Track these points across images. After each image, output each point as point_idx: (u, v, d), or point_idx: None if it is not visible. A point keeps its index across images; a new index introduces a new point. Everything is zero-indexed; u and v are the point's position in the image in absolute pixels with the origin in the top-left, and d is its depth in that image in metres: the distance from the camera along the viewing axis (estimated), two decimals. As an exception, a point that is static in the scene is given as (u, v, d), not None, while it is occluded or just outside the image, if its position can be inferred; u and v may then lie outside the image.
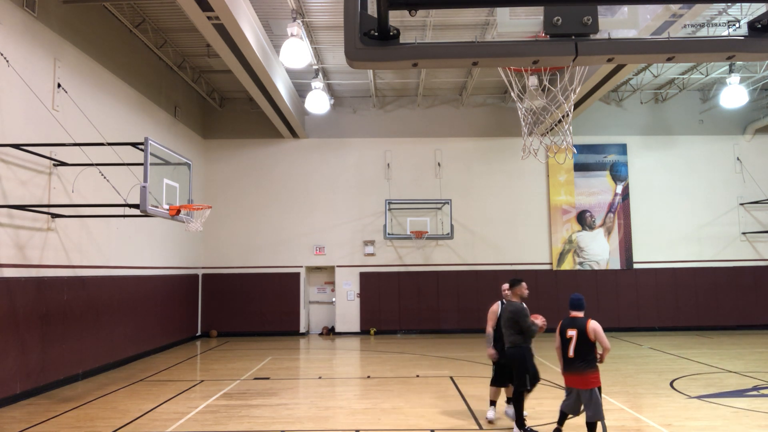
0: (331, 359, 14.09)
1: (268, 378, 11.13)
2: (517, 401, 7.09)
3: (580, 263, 18.30)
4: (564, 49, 3.50)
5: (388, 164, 18.73)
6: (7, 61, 8.99)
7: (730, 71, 15.94)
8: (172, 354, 14.42)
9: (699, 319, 17.96)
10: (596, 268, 18.28)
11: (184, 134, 16.84)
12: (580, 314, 6.52)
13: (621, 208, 18.54)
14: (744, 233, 18.38)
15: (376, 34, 3.42)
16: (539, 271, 18.02)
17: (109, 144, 9.73)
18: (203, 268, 18.24)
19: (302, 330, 18.22)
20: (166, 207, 9.36)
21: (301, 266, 18.42)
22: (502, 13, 3.78)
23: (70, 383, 10.56)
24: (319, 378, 11.26)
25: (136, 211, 8.92)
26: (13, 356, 9.06)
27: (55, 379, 10.12)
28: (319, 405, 8.85)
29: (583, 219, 18.48)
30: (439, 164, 18.72)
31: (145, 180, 8.55)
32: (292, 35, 11.65)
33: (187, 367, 12.59)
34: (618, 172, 18.66)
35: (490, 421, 7.58)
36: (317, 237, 18.49)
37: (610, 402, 8.55)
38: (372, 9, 3.40)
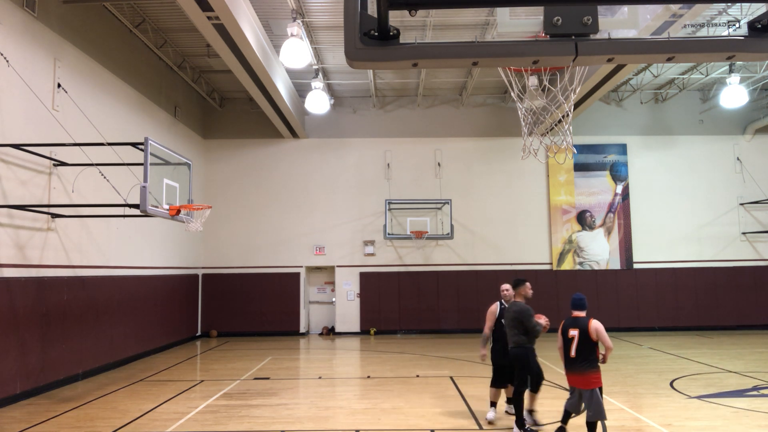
0: (331, 359, 14.09)
1: (268, 378, 11.13)
2: (517, 401, 7.09)
3: (580, 263, 18.30)
4: (564, 49, 3.49)
5: (388, 164, 18.73)
6: (7, 61, 8.99)
7: (730, 71, 15.94)
8: (172, 354, 14.42)
9: (699, 319, 17.96)
10: (596, 268, 18.28)
11: (184, 134, 16.84)
12: (582, 314, 6.52)
13: (621, 208, 18.54)
14: (744, 233, 18.39)
15: (376, 34, 3.42)
16: (539, 271, 18.02)
17: (109, 144, 9.73)
18: (203, 268, 18.24)
19: (302, 330, 18.22)
20: (166, 207, 9.36)
21: (301, 266, 18.42)
22: (502, 13, 3.78)
23: (70, 383, 10.56)
24: (319, 378, 11.26)
25: (136, 211, 8.92)
26: (13, 356, 9.06)
27: (55, 379, 10.12)
28: (319, 405, 8.85)
29: (583, 219, 18.48)
30: (439, 164, 18.72)
31: (145, 180, 8.55)
32: (292, 35, 11.65)
33: (187, 367, 12.59)
34: (618, 172, 18.66)
35: (491, 422, 7.58)
36: (317, 237, 18.49)
37: (610, 402, 8.54)
38: (372, 9, 3.40)
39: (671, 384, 9.97)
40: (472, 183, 18.64)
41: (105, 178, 9.75)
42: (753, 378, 10.39)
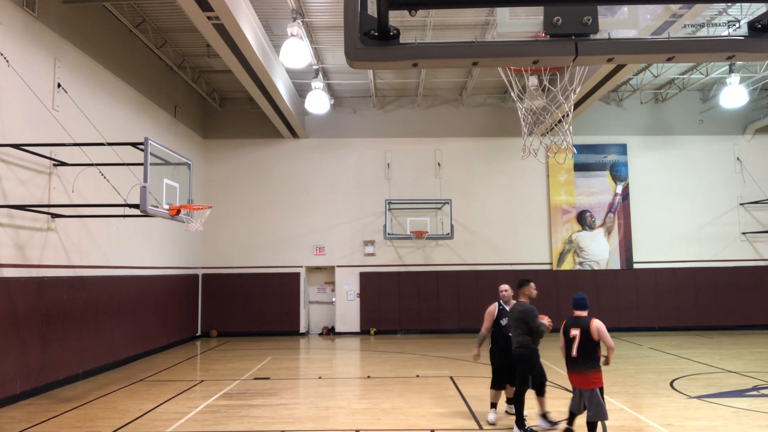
0: (331, 359, 14.09)
1: (268, 378, 11.13)
2: (517, 401, 7.09)
3: (580, 263, 18.30)
4: (564, 49, 3.49)
5: (388, 164, 18.73)
6: (7, 61, 8.99)
7: (730, 71, 15.94)
8: (172, 354, 14.42)
9: (699, 319, 17.96)
10: (596, 268, 18.28)
11: (184, 134, 16.84)
12: (584, 314, 6.51)
13: (621, 208, 18.54)
14: (744, 233, 18.39)
15: (376, 34, 3.42)
16: (539, 271, 18.00)
17: (109, 144, 9.73)
18: (203, 268, 18.24)
19: (302, 330, 18.22)
20: (166, 207, 9.36)
21: (301, 266, 18.42)
22: (502, 13, 3.78)
23: (70, 383, 10.56)
24: (319, 378, 11.26)
25: (136, 211, 8.92)
26: (13, 356, 9.06)
27: (55, 379, 10.12)
28: (319, 405, 8.85)
29: (583, 219, 18.48)
30: (439, 164, 18.72)
31: (145, 180, 8.55)
32: (292, 35, 11.65)
33: (187, 367, 12.59)
34: (618, 172, 18.67)
35: (492, 424, 7.57)
36: (317, 237, 18.49)
37: (610, 402, 8.54)
38: (372, 9, 3.40)
39: (671, 384, 9.97)
40: (472, 183, 18.64)
41: (105, 178, 9.75)
42: (753, 378, 10.39)
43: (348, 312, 18.27)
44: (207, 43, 13.70)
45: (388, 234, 17.48)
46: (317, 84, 15.59)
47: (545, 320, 7.10)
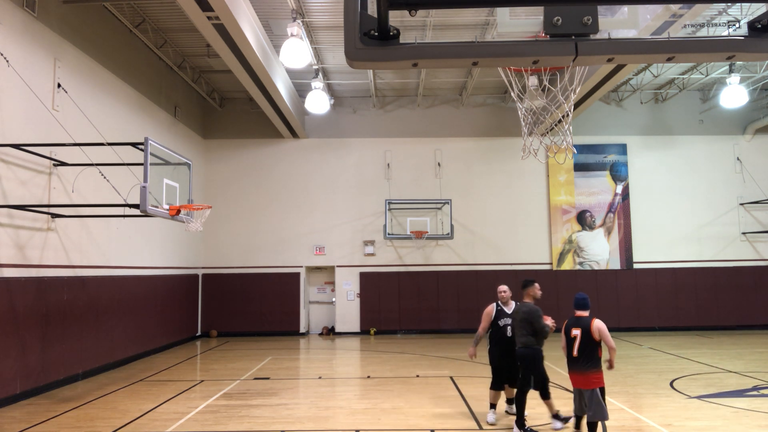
0: (331, 359, 14.09)
1: (268, 378, 11.13)
2: (519, 401, 7.09)
3: (580, 263, 18.30)
4: (564, 49, 3.49)
5: (388, 164, 18.73)
6: (7, 61, 8.99)
7: (730, 71, 15.94)
8: (172, 354, 14.42)
9: (699, 319, 17.96)
10: (596, 268, 18.28)
11: (184, 134, 16.84)
12: (585, 313, 6.51)
13: (621, 208, 18.54)
14: (744, 233, 18.38)
15: (376, 34, 3.42)
16: (539, 271, 18.00)
17: (109, 144, 9.73)
18: (203, 268, 18.24)
19: (302, 330, 18.22)
20: (166, 207, 9.36)
21: (301, 266, 18.42)
22: (502, 13, 3.78)
23: (70, 383, 10.56)
24: (319, 378, 11.26)
25: (136, 211, 8.91)
26: (13, 356, 9.06)
27: (55, 379, 10.12)
28: (319, 405, 8.85)
29: (583, 219, 18.48)
30: (439, 164, 18.72)
31: (145, 180, 8.55)
32: (292, 35, 11.65)
33: (187, 367, 12.59)
34: (618, 172, 18.67)
35: (491, 424, 7.56)
36: (317, 237, 18.49)
37: (610, 402, 8.53)
38: (372, 9, 3.39)
39: (671, 384, 9.97)
40: (472, 183, 18.64)
41: (105, 178, 9.75)
42: (753, 378, 10.39)
43: (348, 312, 18.27)
44: (207, 43, 13.70)
45: (388, 234, 17.48)
46: (317, 84, 15.59)
47: (549, 321, 7.10)
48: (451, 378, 10.81)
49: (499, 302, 7.74)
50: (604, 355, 6.42)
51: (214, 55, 14.53)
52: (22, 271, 9.34)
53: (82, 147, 9.72)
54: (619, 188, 18.61)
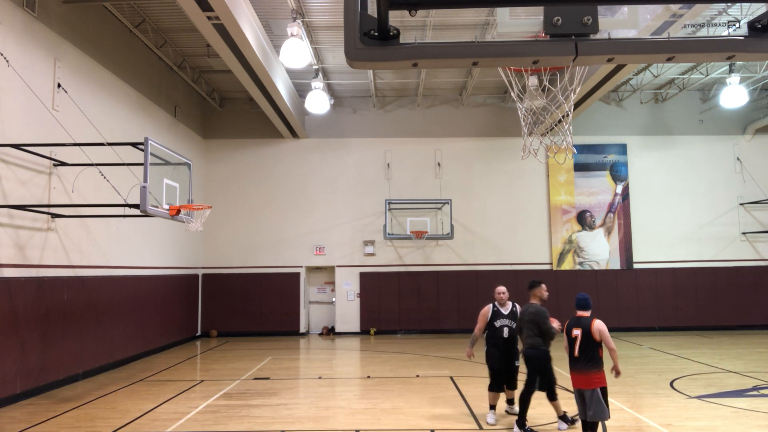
0: (331, 359, 14.09)
1: (268, 378, 11.13)
2: (523, 401, 7.08)
3: (580, 263, 18.30)
4: (564, 49, 3.49)
5: (388, 164, 18.73)
6: (7, 61, 8.99)
7: (730, 71, 15.94)
8: (172, 354, 14.42)
9: (699, 319, 17.96)
10: (596, 268, 18.28)
11: (184, 134, 16.84)
12: (586, 314, 6.51)
13: (621, 208, 18.54)
14: (744, 233, 18.38)
15: (376, 34, 3.42)
16: (539, 271, 17.98)
17: (109, 144, 9.73)
18: (203, 268, 18.24)
19: (302, 330, 18.22)
20: (166, 207, 9.36)
21: (301, 266, 18.42)
22: (502, 13, 3.78)
23: (70, 383, 10.56)
24: (319, 378, 11.26)
25: (136, 211, 8.92)
26: (13, 356, 9.06)
27: (55, 379, 10.12)
28: (319, 405, 8.85)
29: (583, 219, 18.48)
30: (439, 164, 18.72)
31: (145, 180, 8.55)
32: (292, 35, 11.65)
33: (187, 367, 12.59)
34: (618, 172, 18.66)
35: (491, 424, 7.56)
36: (317, 237, 18.49)
37: (610, 402, 8.52)
38: (372, 9, 3.39)
39: (671, 384, 9.98)
40: (472, 183, 18.64)
41: (105, 178, 9.75)
42: (753, 378, 10.39)
43: (348, 312, 18.27)
44: (207, 43, 13.70)
45: (388, 234, 17.48)
46: (317, 84, 15.59)
47: (555, 323, 7.11)
48: (451, 378, 10.81)
49: (496, 303, 7.73)
50: (609, 361, 6.41)
51: (214, 55, 14.53)
52: (22, 271, 9.34)
53: (82, 147, 9.72)
54: (619, 188, 18.61)
